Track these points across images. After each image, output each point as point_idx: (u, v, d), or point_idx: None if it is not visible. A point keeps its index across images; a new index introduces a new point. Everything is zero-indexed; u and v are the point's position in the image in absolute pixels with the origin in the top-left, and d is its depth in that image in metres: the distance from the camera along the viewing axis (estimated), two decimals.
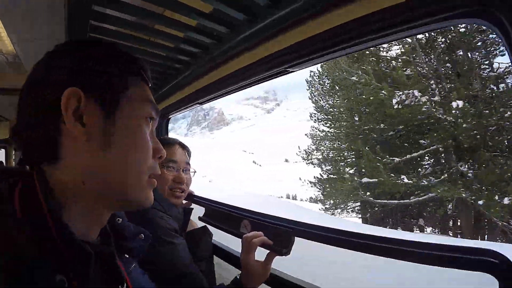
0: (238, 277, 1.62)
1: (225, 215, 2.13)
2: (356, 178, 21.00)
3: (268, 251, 1.57)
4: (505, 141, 16.36)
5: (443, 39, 18.51)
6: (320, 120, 29.28)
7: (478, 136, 15.91)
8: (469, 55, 18.06)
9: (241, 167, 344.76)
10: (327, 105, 28.40)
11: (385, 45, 19.39)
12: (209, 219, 2.28)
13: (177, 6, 1.51)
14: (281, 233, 1.56)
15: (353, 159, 23.84)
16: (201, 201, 2.43)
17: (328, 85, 27.06)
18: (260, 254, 1.55)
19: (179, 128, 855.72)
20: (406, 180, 17.40)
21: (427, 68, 18.51)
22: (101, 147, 0.71)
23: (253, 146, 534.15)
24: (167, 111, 3.10)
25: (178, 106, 2.92)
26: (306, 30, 1.35)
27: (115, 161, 0.72)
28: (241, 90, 2.18)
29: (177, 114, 3.32)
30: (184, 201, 2.31)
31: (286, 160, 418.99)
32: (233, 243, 2.00)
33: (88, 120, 0.70)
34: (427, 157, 20.63)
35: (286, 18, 1.37)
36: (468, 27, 16.95)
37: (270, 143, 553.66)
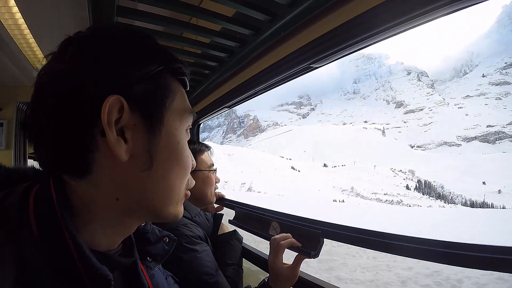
0: (266, 280, 1.57)
1: (254, 217, 2.13)
2: None
3: (296, 253, 1.54)
4: None
5: None
6: None
7: None
8: None
9: (280, 174, 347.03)
10: None
11: None
12: (239, 222, 2.27)
13: (202, 13, 1.51)
14: (310, 234, 1.52)
15: None
16: (231, 204, 2.41)
17: None
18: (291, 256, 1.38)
19: (214, 136, 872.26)
20: None
21: None
22: (142, 166, 0.65)
23: (290, 152, 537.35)
24: (197, 117, 3.11)
25: (207, 111, 2.93)
26: (326, 24, 1.33)
27: (156, 180, 0.67)
28: (268, 90, 2.15)
29: (207, 119, 3.25)
30: (215, 205, 2.43)
31: (325, 165, 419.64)
32: (265, 246, 1.61)
33: (131, 136, 0.63)
34: None
35: (305, 14, 1.36)
36: None
37: (307, 148, 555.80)
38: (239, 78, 2.16)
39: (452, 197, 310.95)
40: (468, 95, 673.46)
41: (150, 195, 0.67)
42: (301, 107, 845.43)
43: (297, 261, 1.49)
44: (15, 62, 3.10)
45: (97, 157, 0.61)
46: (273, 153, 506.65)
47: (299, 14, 1.36)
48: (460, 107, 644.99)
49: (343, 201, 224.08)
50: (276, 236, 1.55)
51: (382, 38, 1.24)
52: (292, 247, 1.53)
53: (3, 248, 0.52)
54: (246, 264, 2.10)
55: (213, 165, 2.04)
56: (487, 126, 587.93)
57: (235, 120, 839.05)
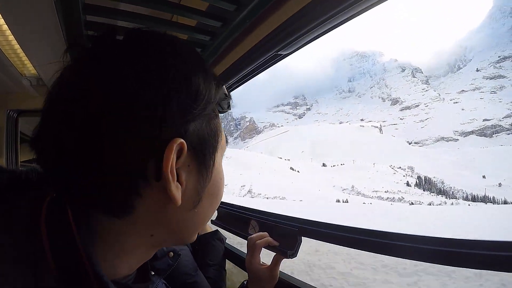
0: (245, 282, 1.51)
1: (234, 217, 2.06)
2: None
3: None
4: None
5: None
6: None
7: None
8: None
9: (279, 175, 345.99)
10: None
11: None
12: (221, 222, 2.18)
13: (180, 9, 1.49)
14: (287, 232, 1.46)
15: None
16: None
17: None
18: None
19: None
20: None
21: None
22: (190, 207, 0.62)
23: (288, 152, 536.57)
24: None
25: None
26: (289, 8, 1.27)
27: (197, 215, 0.64)
28: (241, 83, 2.07)
29: None
30: None
31: (324, 165, 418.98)
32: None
33: (185, 178, 0.58)
34: None
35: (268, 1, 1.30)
36: None
37: (305, 148, 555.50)
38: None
39: (453, 192, 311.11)
40: (463, 90, 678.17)
41: (186, 228, 0.65)
42: (297, 107, 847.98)
43: (276, 261, 1.41)
44: (2, 69, 2.98)
45: (145, 200, 0.55)
46: (271, 154, 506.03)
47: (261, 1, 1.30)
48: (456, 102, 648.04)
49: (346, 201, 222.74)
50: (252, 236, 1.48)
51: (349, 15, 1.19)
52: (269, 247, 1.45)
53: (16, 282, 0.47)
54: (229, 265, 2.03)
55: None
56: (484, 120, 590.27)
57: (231, 123, 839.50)
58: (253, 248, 1.45)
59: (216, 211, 2.22)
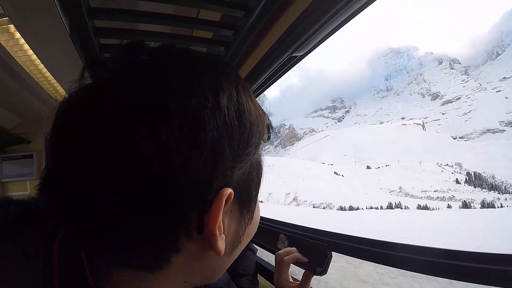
0: None
1: (263, 230, 1.91)
2: None
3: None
4: None
5: None
6: None
7: None
8: None
9: (323, 181, 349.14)
10: None
11: None
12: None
13: (186, 20, 1.47)
14: (316, 248, 1.37)
15: None
16: None
17: None
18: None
19: None
20: None
21: None
22: (228, 252, 0.56)
23: (330, 157, 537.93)
24: None
25: None
26: (298, 6, 1.26)
27: (233, 257, 0.61)
28: (259, 93, 2.07)
29: None
30: None
31: (368, 167, 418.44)
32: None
33: (227, 224, 0.52)
34: None
35: (274, 2, 1.29)
36: None
37: (347, 151, 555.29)
38: None
39: (505, 186, 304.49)
40: (504, 77, 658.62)
41: (220, 270, 0.60)
42: (336, 111, 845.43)
43: (305, 279, 1.31)
44: (36, 96, 3.16)
45: (183, 253, 0.49)
46: (314, 160, 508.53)
47: (268, 4, 1.30)
48: (499, 91, 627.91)
49: (399, 204, 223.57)
50: (280, 251, 1.39)
51: (360, 5, 0.97)
52: (297, 263, 1.36)
53: None
54: (261, 279, 1.95)
55: None
56: None
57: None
58: (281, 265, 1.36)
59: None
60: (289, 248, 1.40)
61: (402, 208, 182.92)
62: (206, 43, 1.67)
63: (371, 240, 1.23)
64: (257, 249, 2.00)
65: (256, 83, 1.86)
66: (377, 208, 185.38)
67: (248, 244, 1.33)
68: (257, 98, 0.87)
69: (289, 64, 1.64)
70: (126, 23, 1.48)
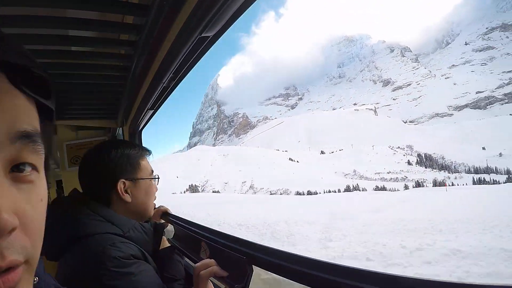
0: None
1: (185, 235, 1.85)
2: None
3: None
4: None
5: None
6: None
7: None
8: None
9: (279, 167, 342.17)
10: None
11: None
12: (176, 241, 1.96)
13: (96, 23, 1.54)
14: (236, 261, 1.22)
15: None
16: (174, 220, 2.11)
17: None
18: None
19: (206, 139, 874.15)
20: None
21: None
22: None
23: (284, 144, 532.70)
24: (135, 125, 3.13)
25: (138, 117, 2.89)
26: None
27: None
28: (181, 76, 2.00)
29: (143, 125, 3.20)
30: (162, 221, 2.15)
31: (322, 152, 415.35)
32: None
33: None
34: None
35: None
36: None
37: (301, 138, 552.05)
38: (151, 73, 2.04)
39: (455, 166, 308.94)
40: (453, 65, 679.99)
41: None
42: (289, 98, 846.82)
43: None
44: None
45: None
46: (268, 147, 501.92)
47: None
48: (447, 77, 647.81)
49: (357, 186, 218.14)
50: (198, 264, 1.30)
51: None
52: (217, 277, 1.25)
53: None
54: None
55: (153, 171, 1.79)
56: (477, 93, 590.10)
57: (224, 120, 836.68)
58: (197, 280, 1.29)
59: (173, 228, 2.08)
60: (207, 261, 1.31)
61: (360, 190, 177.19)
62: (116, 27, 1.67)
63: (294, 256, 1.09)
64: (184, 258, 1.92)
65: (173, 66, 1.77)
66: (335, 192, 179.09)
67: (173, 248, 1.91)
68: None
69: (203, 46, 1.58)
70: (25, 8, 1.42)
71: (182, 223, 1.97)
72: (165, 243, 1.96)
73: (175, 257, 1.81)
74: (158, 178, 1.82)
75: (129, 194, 1.58)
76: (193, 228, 1.81)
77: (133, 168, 1.62)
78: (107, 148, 1.58)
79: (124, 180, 1.56)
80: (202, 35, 1.38)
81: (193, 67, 1.88)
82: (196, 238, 1.69)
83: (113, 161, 1.54)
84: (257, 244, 1.30)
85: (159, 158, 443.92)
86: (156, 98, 2.29)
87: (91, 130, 4.57)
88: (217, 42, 1.58)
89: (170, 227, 2.08)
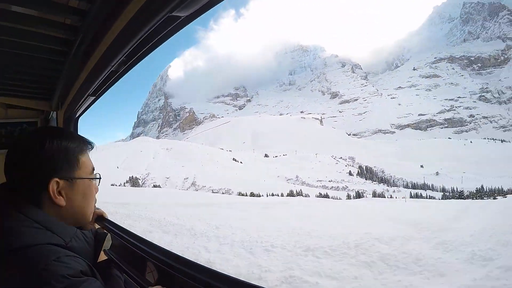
0: None
1: (130, 252, 1.62)
2: None
3: None
4: None
5: None
6: None
7: None
8: None
9: (222, 167, 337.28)
10: None
11: None
12: (115, 253, 1.74)
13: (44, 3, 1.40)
14: None
15: None
16: (110, 227, 1.92)
17: None
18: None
19: (150, 130, 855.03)
20: None
21: None
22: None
23: (229, 144, 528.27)
24: (71, 111, 2.78)
25: (76, 103, 2.53)
26: None
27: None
28: (141, 57, 1.74)
29: (80, 112, 2.88)
30: (97, 226, 1.91)
31: (266, 155, 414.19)
32: None
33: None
34: None
35: None
36: None
37: (246, 139, 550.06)
38: (98, 52, 1.79)
39: (394, 180, 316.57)
40: (400, 86, 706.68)
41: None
42: (238, 99, 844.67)
43: None
44: None
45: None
46: (212, 145, 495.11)
47: None
48: (393, 97, 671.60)
49: (300, 192, 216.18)
50: None
51: None
52: None
53: None
54: None
55: (94, 169, 1.50)
56: (419, 115, 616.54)
57: (171, 113, 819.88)
58: None
59: (111, 238, 1.77)
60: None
61: (303, 196, 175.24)
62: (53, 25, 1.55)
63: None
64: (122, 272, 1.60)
65: (127, 47, 1.53)
66: (278, 195, 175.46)
67: (111, 262, 1.60)
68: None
69: (171, 27, 1.39)
70: None
71: (121, 233, 1.76)
72: (102, 257, 1.65)
73: (114, 272, 1.50)
74: (100, 178, 1.53)
75: (63, 197, 1.27)
76: (134, 241, 1.60)
77: (70, 165, 1.31)
78: (41, 137, 1.28)
79: (58, 179, 1.25)
80: (173, 13, 1.21)
81: (153, 50, 1.64)
82: (140, 255, 1.48)
83: (47, 155, 1.23)
84: (219, 272, 1.23)
85: (100, 146, 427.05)
86: (100, 83, 1.97)
87: (23, 109, 4.14)
88: (188, 25, 1.41)
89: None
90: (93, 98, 2.24)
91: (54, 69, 2.30)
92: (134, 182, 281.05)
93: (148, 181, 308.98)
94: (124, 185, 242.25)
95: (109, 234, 1.70)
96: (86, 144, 1.42)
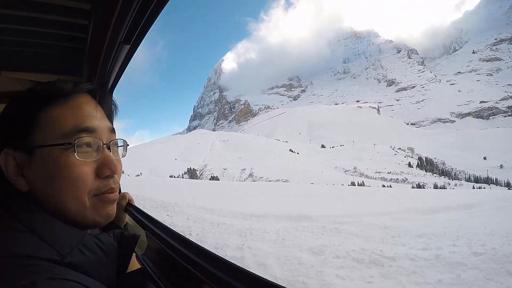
0: None
1: (175, 265, 1.15)
2: None
3: None
4: None
5: None
6: None
7: None
8: None
9: (279, 158, 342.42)
10: None
11: None
12: (151, 263, 1.28)
13: None
14: None
15: None
16: (139, 217, 1.54)
17: None
18: None
19: (206, 123, 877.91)
20: None
21: None
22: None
23: (285, 135, 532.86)
24: (103, 81, 2.23)
25: (108, 63, 1.96)
26: None
27: None
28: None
29: (115, 73, 2.22)
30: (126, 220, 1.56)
31: (323, 146, 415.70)
32: None
33: None
34: None
35: None
36: None
37: (302, 130, 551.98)
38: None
39: (455, 173, 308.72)
40: (459, 72, 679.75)
41: None
42: (292, 89, 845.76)
43: None
44: None
45: None
46: (268, 136, 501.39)
47: None
48: (452, 84, 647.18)
49: (363, 183, 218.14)
50: None
51: None
52: None
53: None
54: None
55: (81, 131, 0.93)
56: (480, 102, 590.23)
57: (226, 106, 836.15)
58: None
59: (146, 237, 1.42)
60: None
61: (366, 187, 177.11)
62: None
63: None
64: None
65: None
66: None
67: (145, 272, 1.22)
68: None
69: None
70: None
71: (160, 232, 1.34)
72: (133, 263, 1.23)
73: (149, 287, 1.10)
74: (91, 145, 0.92)
75: (24, 178, 0.85)
76: (181, 249, 1.16)
77: (25, 125, 0.86)
78: None
79: (11, 150, 0.85)
80: None
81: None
82: (190, 271, 1.04)
83: None
84: None
85: (158, 140, 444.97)
86: (130, 26, 1.48)
87: None
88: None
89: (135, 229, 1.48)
90: (127, 47, 1.68)
91: (76, 39, 2.03)
92: (192, 173, 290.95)
93: (206, 172, 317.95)
94: (183, 177, 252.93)
95: (143, 233, 1.38)
96: (58, 90, 0.89)
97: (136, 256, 1.30)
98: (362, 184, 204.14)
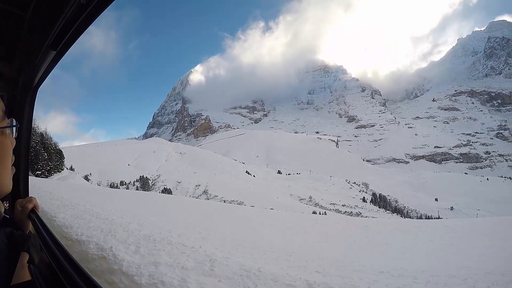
0: None
1: (61, 285, 1.05)
2: None
3: None
4: None
5: None
6: None
7: None
8: None
9: (235, 178, 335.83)
10: None
11: None
12: (38, 273, 1.11)
13: None
14: None
15: None
16: (41, 229, 1.38)
17: None
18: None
19: (163, 133, 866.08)
20: None
21: None
22: None
23: (242, 156, 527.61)
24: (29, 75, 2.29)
25: (35, 61, 2.01)
26: None
27: None
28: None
29: (42, 71, 2.25)
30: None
31: (279, 172, 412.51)
32: None
33: None
34: None
35: None
36: None
37: (260, 153, 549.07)
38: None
39: (407, 211, 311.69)
40: (418, 117, 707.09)
41: None
42: (254, 112, 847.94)
43: None
44: None
45: None
46: (225, 155, 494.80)
47: None
48: (410, 127, 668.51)
49: (325, 213, 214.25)
50: None
51: None
52: None
53: None
54: None
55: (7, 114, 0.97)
56: (435, 147, 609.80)
57: (186, 119, 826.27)
58: None
59: (40, 246, 1.30)
60: None
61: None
62: None
63: None
64: None
65: None
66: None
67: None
68: None
69: None
70: None
71: (55, 248, 1.18)
72: (23, 273, 1.05)
73: None
74: (17, 125, 0.98)
75: None
76: (70, 270, 1.05)
77: None
78: None
79: None
80: None
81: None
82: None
83: None
84: None
85: (113, 142, 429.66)
86: (58, 32, 1.54)
87: None
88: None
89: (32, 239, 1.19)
90: (54, 53, 1.67)
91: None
92: (144, 182, 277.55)
93: (159, 183, 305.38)
94: (134, 184, 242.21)
95: (36, 238, 1.21)
96: None
97: (29, 268, 1.09)
98: (325, 213, 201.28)
